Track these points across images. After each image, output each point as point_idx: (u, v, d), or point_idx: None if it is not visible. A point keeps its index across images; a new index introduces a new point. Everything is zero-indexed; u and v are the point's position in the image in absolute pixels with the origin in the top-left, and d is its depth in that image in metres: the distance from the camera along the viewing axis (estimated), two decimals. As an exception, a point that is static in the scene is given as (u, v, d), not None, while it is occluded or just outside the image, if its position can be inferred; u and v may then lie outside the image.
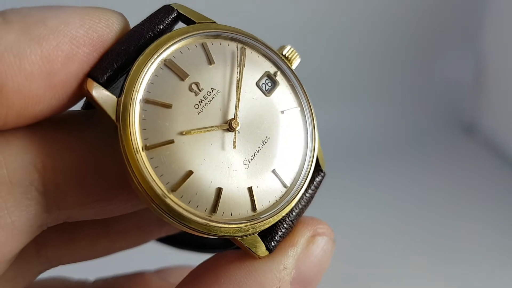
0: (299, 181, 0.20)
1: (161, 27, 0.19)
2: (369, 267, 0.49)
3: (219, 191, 0.18)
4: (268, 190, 0.20)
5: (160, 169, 0.18)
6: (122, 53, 0.18)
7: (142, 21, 0.19)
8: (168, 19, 0.19)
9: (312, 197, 0.21)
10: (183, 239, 0.28)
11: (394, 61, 0.74)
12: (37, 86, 0.17)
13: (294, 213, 0.20)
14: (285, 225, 0.20)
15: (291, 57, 0.21)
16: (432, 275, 0.49)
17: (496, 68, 0.71)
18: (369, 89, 0.74)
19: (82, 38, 0.18)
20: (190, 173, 0.18)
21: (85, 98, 0.19)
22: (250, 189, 0.19)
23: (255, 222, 0.19)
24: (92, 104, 0.18)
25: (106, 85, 0.18)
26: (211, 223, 0.18)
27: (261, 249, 0.19)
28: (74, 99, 0.19)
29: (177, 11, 0.19)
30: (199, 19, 0.19)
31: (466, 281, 0.48)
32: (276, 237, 0.19)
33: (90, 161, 0.19)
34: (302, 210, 0.21)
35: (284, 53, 0.21)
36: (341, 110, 0.71)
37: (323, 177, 0.22)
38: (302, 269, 0.21)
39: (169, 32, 0.19)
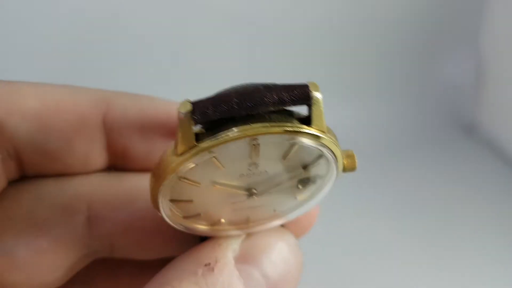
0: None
1: (282, 108, 0.18)
2: (368, 266, 0.49)
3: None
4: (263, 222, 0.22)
5: (173, 194, 0.19)
6: (231, 107, 0.17)
7: (272, 84, 0.17)
8: (295, 103, 0.17)
9: None
10: None
11: (394, 61, 0.74)
12: None
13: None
14: None
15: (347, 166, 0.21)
16: (432, 274, 0.49)
17: (497, 69, 0.71)
18: (369, 89, 0.74)
19: None
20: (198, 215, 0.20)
21: None
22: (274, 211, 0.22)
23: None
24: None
25: (198, 122, 0.17)
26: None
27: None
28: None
29: (311, 103, 0.18)
30: (317, 127, 0.18)
31: (466, 280, 0.48)
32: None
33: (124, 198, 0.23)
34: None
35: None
36: (341, 109, 0.71)
37: None
38: (251, 252, 0.20)
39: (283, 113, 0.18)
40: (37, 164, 0.22)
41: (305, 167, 0.20)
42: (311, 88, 0.18)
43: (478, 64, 0.73)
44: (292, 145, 0.18)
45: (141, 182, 0.23)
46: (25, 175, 0.23)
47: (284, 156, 0.19)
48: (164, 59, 0.63)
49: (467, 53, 0.74)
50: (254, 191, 0.20)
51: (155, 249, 0.23)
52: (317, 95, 0.18)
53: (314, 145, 0.18)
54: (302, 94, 0.17)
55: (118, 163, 0.24)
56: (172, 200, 0.19)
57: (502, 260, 0.51)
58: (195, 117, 0.17)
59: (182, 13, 0.62)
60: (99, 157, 0.23)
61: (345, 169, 0.21)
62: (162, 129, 0.23)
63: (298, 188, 0.21)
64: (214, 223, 0.21)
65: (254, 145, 0.18)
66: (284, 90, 0.17)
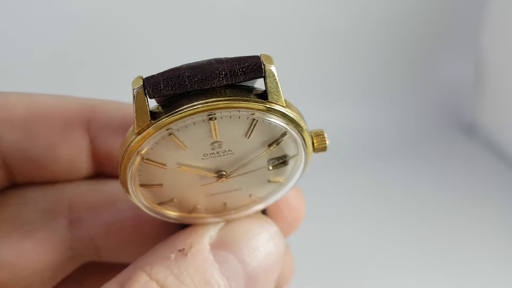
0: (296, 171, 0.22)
1: (235, 81, 0.17)
2: (369, 266, 0.49)
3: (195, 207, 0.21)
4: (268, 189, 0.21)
5: (142, 178, 0.19)
6: (183, 81, 0.17)
7: (224, 58, 0.17)
8: (248, 75, 0.17)
9: None
10: None
11: (394, 61, 0.74)
12: None
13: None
14: None
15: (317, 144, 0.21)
16: (432, 274, 0.49)
17: (496, 69, 0.71)
18: (369, 89, 0.74)
19: None
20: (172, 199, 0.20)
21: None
22: (250, 196, 0.21)
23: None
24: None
25: (151, 96, 0.17)
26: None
27: None
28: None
29: (264, 74, 0.17)
30: (274, 100, 0.18)
31: (465, 280, 0.48)
32: None
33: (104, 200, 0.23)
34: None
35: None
36: (340, 110, 0.71)
37: None
38: (228, 240, 0.20)
39: (235, 87, 0.18)
40: (25, 172, 0.23)
41: (270, 145, 0.19)
42: (263, 60, 0.17)
43: (477, 64, 0.73)
44: (252, 121, 0.18)
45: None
46: (15, 182, 0.24)
47: (246, 134, 0.19)
48: (155, 62, 0.63)
49: (467, 53, 0.74)
50: (223, 172, 0.20)
51: (139, 250, 0.23)
52: (270, 67, 0.17)
53: (274, 120, 0.18)
54: (253, 65, 0.17)
55: (104, 170, 0.25)
56: (142, 185, 0.19)
57: (501, 259, 0.51)
58: (146, 91, 0.17)
59: (177, 16, 0.62)
60: (84, 164, 0.24)
61: (315, 149, 0.20)
62: None
63: (269, 169, 0.20)
64: (191, 210, 0.21)
65: (211, 120, 0.18)
66: (236, 62, 0.17)
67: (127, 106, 0.24)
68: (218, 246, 0.20)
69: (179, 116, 0.17)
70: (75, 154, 0.24)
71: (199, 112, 0.17)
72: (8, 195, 0.23)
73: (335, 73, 0.72)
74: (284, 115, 0.18)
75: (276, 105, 0.18)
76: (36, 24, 0.58)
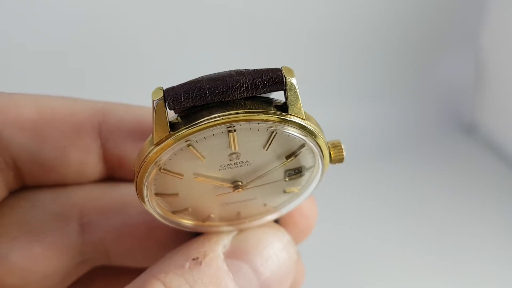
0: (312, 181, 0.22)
1: (256, 93, 0.17)
2: (369, 266, 0.49)
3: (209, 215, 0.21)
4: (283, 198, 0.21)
5: (158, 187, 0.19)
6: (204, 93, 0.17)
7: (245, 69, 0.17)
8: (269, 87, 0.17)
9: None
10: None
11: (394, 61, 0.74)
12: None
13: None
14: None
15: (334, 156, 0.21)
16: (432, 274, 0.49)
17: (496, 69, 0.71)
18: (369, 89, 0.74)
19: None
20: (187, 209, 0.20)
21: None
22: (264, 205, 0.21)
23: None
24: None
25: (171, 108, 0.18)
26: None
27: None
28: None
29: (285, 88, 0.18)
30: (294, 113, 0.18)
31: (465, 280, 0.48)
32: None
33: (116, 205, 0.23)
34: None
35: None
36: (340, 110, 0.71)
37: None
38: (242, 249, 0.20)
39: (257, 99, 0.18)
40: (35, 174, 0.23)
41: (288, 157, 0.19)
42: (284, 72, 0.17)
43: (477, 64, 0.73)
44: (272, 133, 0.18)
45: (133, 191, 0.23)
46: (25, 185, 0.24)
47: (265, 146, 0.19)
48: (162, 66, 0.63)
49: (467, 53, 0.74)
50: (240, 183, 0.20)
51: (150, 255, 0.23)
52: (291, 80, 0.17)
53: (293, 132, 0.18)
54: (275, 78, 0.17)
55: (114, 173, 0.25)
56: (157, 194, 0.19)
57: (501, 258, 0.51)
58: (167, 103, 0.17)
59: (181, 19, 0.62)
60: (95, 167, 0.24)
61: (332, 160, 0.20)
62: None
63: (285, 180, 0.20)
64: (205, 218, 0.21)
65: (230, 132, 0.18)
66: (257, 74, 0.17)
67: (138, 109, 0.24)
68: (231, 255, 0.20)
69: (198, 128, 0.17)
70: (86, 157, 0.23)
71: (219, 124, 0.17)
72: (17, 198, 0.23)
73: (335, 73, 0.72)
74: (303, 128, 0.18)
75: (296, 118, 0.18)
76: (43, 26, 0.58)
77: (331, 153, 0.20)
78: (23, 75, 0.59)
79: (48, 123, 0.22)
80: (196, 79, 0.17)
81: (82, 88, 0.57)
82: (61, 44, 0.59)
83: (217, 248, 0.19)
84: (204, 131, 0.17)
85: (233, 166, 0.19)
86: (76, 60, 0.60)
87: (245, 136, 0.18)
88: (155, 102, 0.17)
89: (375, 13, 0.70)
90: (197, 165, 0.19)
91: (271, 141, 0.18)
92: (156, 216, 0.20)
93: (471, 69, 0.74)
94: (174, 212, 0.21)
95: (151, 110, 0.17)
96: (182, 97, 0.17)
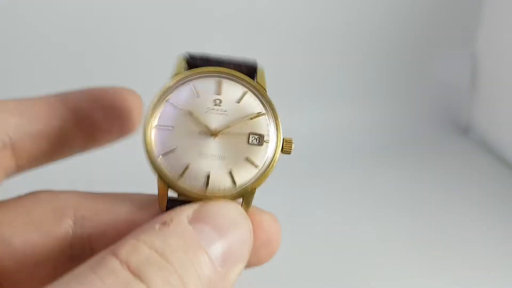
0: (268, 161, 0.26)
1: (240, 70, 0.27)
2: (367, 267, 0.49)
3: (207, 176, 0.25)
4: (221, 180, 0.25)
5: (160, 120, 0.26)
6: (209, 57, 0.27)
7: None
8: (247, 64, 0.28)
9: None
10: None
11: (390, 62, 0.74)
12: None
13: None
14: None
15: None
16: (428, 275, 0.49)
17: (492, 70, 0.71)
18: (365, 89, 0.74)
19: None
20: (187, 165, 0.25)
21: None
22: (208, 175, 0.25)
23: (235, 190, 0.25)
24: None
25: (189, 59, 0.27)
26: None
27: (163, 203, 0.25)
28: None
29: (256, 71, 0.28)
30: (261, 85, 0.27)
31: (463, 281, 0.48)
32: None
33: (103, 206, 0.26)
34: None
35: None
36: (336, 111, 0.72)
37: None
38: (208, 216, 0.23)
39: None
40: (28, 151, 0.26)
41: (251, 118, 0.26)
42: (258, 64, 0.27)
43: (473, 65, 0.74)
44: (245, 93, 0.26)
45: (122, 194, 0.27)
46: (19, 166, 0.27)
47: (238, 101, 0.26)
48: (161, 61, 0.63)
49: (463, 55, 0.74)
50: (215, 130, 0.25)
51: None
52: (261, 67, 0.28)
53: (259, 98, 0.26)
54: (252, 64, 0.27)
55: (90, 139, 0.29)
56: (156, 126, 0.25)
57: (498, 260, 0.51)
58: (187, 56, 0.27)
59: (179, 18, 0.62)
60: (73, 136, 0.28)
61: (282, 149, 0.26)
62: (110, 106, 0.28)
63: (249, 142, 0.26)
64: (183, 169, 0.25)
65: (219, 81, 0.26)
66: (242, 62, 0.27)
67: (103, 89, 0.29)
68: (194, 220, 0.22)
69: (201, 71, 0.26)
70: (65, 126, 0.27)
71: (215, 72, 0.26)
72: (23, 198, 0.27)
73: (330, 74, 0.72)
74: (265, 96, 0.26)
75: (261, 87, 0.27)
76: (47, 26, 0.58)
77: (284, 142, 0.26)
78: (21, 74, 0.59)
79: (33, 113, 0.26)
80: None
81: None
82: (60, 44, 0.59)
83: (182, 215, 0.22)
84: (203, 74, 0.26)
85: (215, 111, 0.26)
86: (75, 60, 0.60)
87: (228, 87, 0.26)
88: (181, 54, 0.27)
89: (370, 15, 0.71)
90: (193, 102, 0.26)
91: (243, 97, 0.26)
92: (147, 155, 0.25)
93: (467, 70, 0.74)
94: (164, 154, 0.25)
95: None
96: (198, 57, 0.27)
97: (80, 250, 0.26)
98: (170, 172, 0.25)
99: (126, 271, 0.19)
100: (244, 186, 0.25)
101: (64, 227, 0.25)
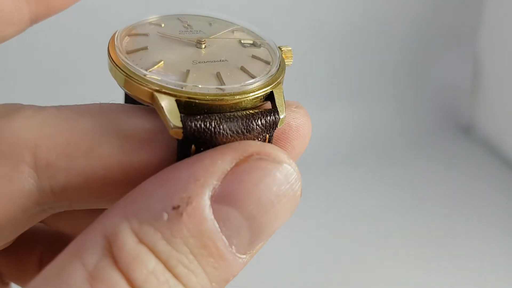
0: (266, 77, 0.20)
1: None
2: (367, 266, 0.49)
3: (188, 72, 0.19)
4: (236, 77, 0.20)
5: (128, 46, 0.21)
6: None
7: None
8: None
9: (259, 133, 0.19)
10: None
11: (392, 62, 0.74)
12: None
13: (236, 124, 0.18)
14: (223, 127, 0.17)
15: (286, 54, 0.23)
16: (431, 272, 0.49)
17: (493, 70, 0.71)
18: (367, 90, 0.74)
19: None
20: (160, 61, 0.20)
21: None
22: (218, 74, 0.19)
23: (221, 94, 0.18)
24: None
25: None
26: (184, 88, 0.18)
27: (176, 120, 0.17)
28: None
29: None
30: None
31: (463, 279, 0.49)
32: (201, 123, 0.17)
33: (81, 143, 0.17)
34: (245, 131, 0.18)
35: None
36: (338, 110, 0.72)
37: (276, 120, 0.19)
38: (232, 188, 0.16)
39: None
40: None
41: (234, 31, 0.24)
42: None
43: (475, 65, 0.74)
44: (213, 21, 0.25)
45: (103, 121, 0.18)
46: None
47: (210, 24, 0.24)
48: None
49: (464, 54, 0.74)
50: (202, 39, 0.22)
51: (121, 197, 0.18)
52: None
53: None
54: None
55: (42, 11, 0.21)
56: (128, 52, 0.20)
57: (500, 259, 0.51)
58: None
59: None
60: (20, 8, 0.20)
61: (286, 56, 0.23)
62: None
63: (243, 46, 0.22)
64: (184, 74, 0.19)
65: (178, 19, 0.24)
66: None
67: None
68: (220, 199, 0.16)
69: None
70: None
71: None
72: None
73: (332, 74, 0.72)
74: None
75: None
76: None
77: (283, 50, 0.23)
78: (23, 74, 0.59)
79: None
80: None
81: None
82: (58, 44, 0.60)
83: (204, 192, 0.15)
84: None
85: (189, 32, 0.22)
86: (73, 60, 0.61)
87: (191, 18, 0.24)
88: None
89: (372, 15, 0.70)
90: (160, 29, 0.22)
91: (213, 23, 0.24)
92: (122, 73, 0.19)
93: (469, 70, 0.74)
94: (150, 70, 0.19)
95: None
96: None
97: (52, 203, 0.18)
98: (173, 82, 0.19)
99: None
100: (270, 73, 0.20)
101: (21, 181, 0.17)
